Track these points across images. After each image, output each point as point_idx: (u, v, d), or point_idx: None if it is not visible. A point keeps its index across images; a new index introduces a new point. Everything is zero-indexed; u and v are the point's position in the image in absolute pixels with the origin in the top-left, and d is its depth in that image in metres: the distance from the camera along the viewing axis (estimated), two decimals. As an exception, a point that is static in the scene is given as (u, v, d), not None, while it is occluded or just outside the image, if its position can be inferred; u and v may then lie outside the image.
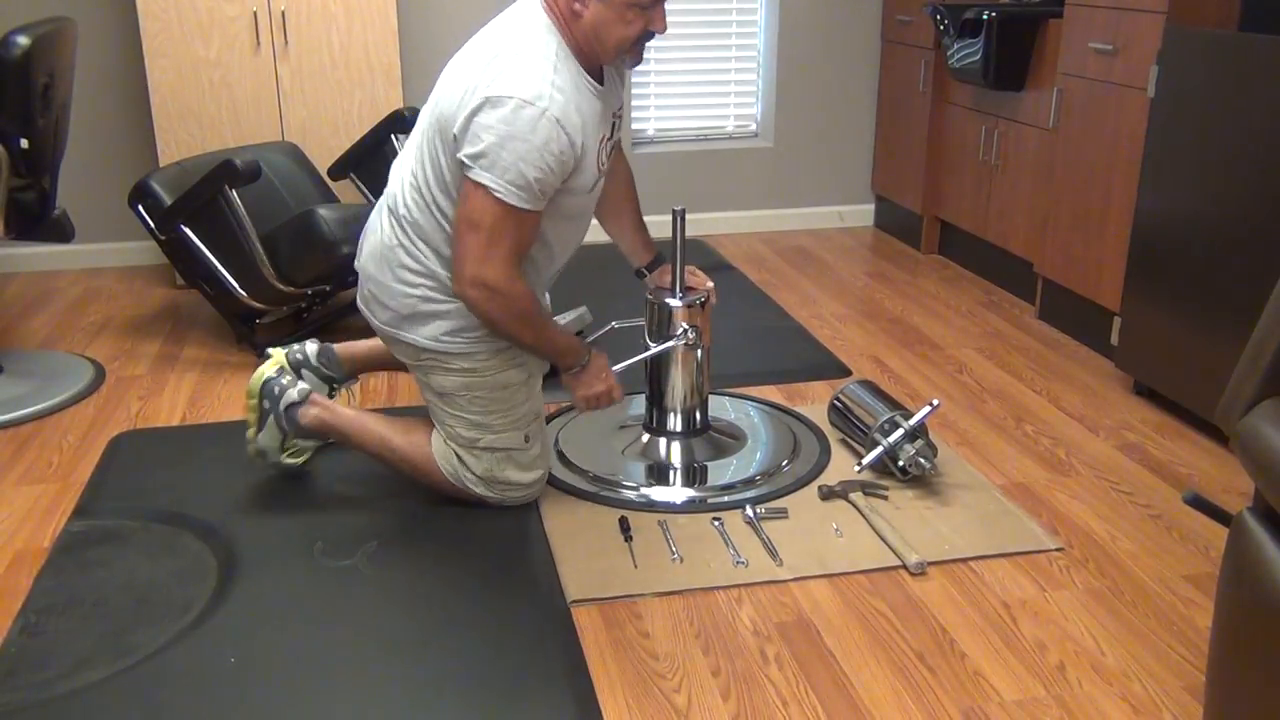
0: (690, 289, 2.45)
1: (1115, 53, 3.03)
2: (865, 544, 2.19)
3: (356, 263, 2.27)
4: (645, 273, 2.50)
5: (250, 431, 2.37)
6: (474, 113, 1.94)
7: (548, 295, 2.51)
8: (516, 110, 1.92)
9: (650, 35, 2.05)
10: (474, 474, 2.25)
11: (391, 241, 2.16)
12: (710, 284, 2.45)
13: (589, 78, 2.05)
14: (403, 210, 2.15)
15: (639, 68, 4.38)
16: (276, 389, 2.35)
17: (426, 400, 2.27)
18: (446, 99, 2.03)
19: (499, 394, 2.20)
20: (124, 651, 1.87)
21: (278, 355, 2.46)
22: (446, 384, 2.20)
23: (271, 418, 2.35)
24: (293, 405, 2.34)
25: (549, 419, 2.70)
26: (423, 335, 2.17)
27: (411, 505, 2.34)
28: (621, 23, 1.99)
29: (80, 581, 2.07)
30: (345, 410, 2.36)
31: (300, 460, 2.46)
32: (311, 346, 2.52)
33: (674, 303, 2.44)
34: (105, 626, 1.93)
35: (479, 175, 1.95)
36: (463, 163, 1.97)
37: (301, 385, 2.37)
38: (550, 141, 1.94)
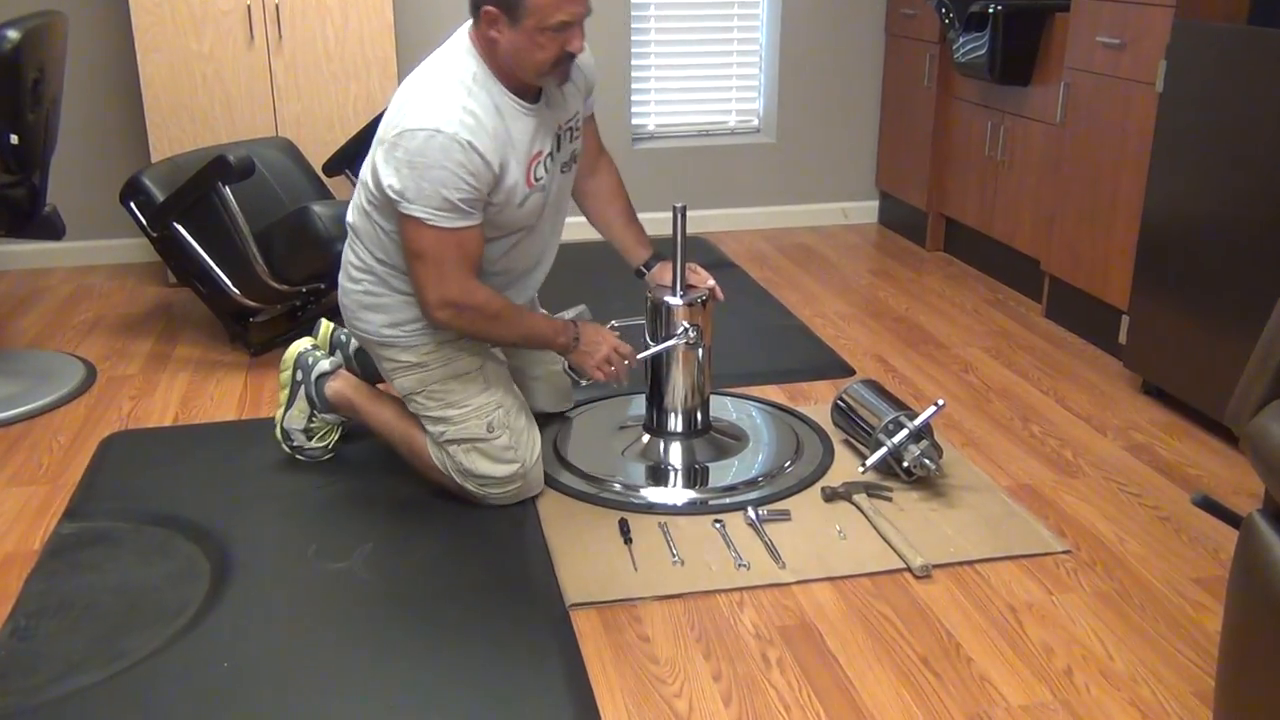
0: (691, 287, 2.45)
1: (1123, 47, 3.03)
2: (869, 546, 2.19)
3: None
4: (644, 271, 2.51)
5: (279, 412, 2.51)
6: (393, 146, 2.07)
7: (536, 299, 2.53)
8: (428, 140, 2.03)
9: (571, 56, 2.12)
10: (452, 467, 2.30)
11: (346, 245, 2.33)
12: (711, 281, 2.46)
13: (515, 97, 2.15)
14: (348, 217, 2.31)
15: (639, 61, 4.39)
16: (310, 360, 2.51)
17: None
18: (382, 125, 2.15)
19: (452, 384, 2.27)
20: (116, 656, 1.87)
21: (326, 328, 2.63)
22: (405, 384, 2.31)
23: (302, 390, 2.48)
24: (323, 376, 2.49)
25: (543, 422, 2.69)
26: (371, 325, 2.28)
27: (408, 508, 2.34)
28: (535, 47, 2.07)
29: (71, 585, 2.07)
30: (366, 387, 2.47)
31: (324, 446, 2.52)
32: (356, 341, 2.60)
33: (674, 301, 2.44)
34: (97, 630, 1.93)
35: (409, 209, 2.07)
36: (391, 198, 2.08)
37: (334, 358, 2.52)
38: (463, 164, 2.05)
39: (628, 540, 2.20)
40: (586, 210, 2.54)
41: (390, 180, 2.07)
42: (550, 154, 2.23)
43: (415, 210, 2.06)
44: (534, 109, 2.18)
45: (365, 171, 2.23)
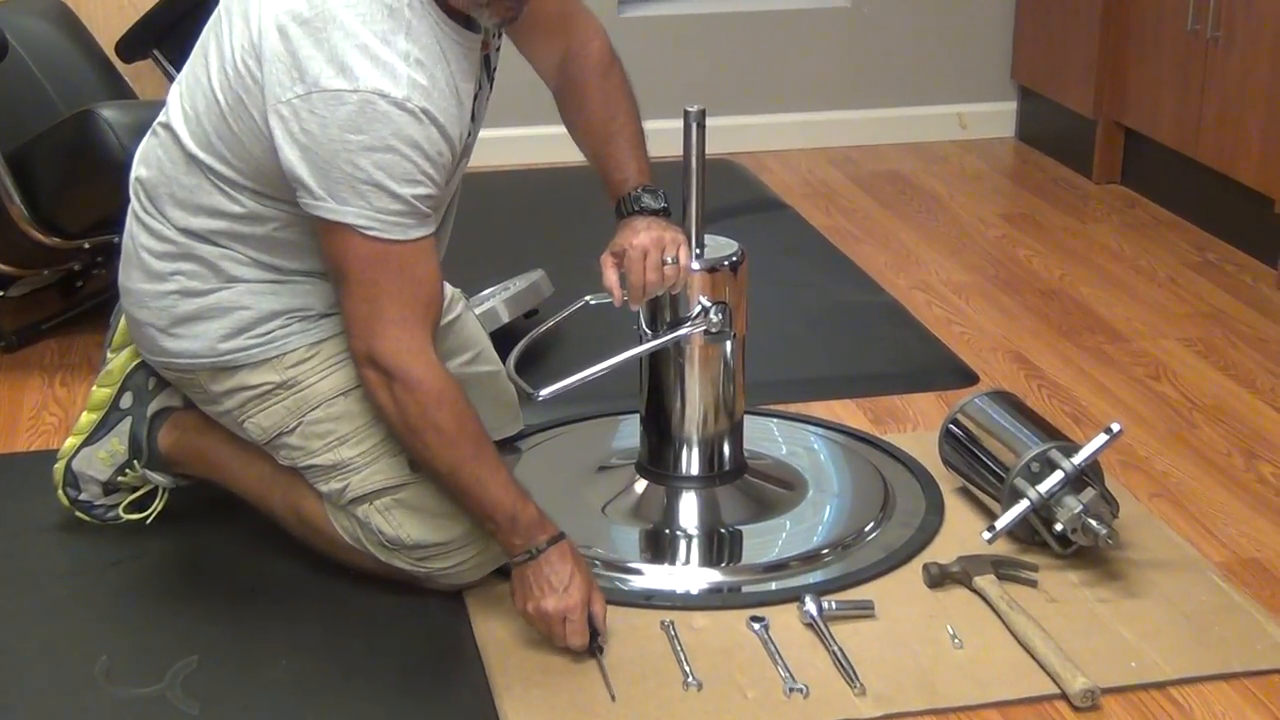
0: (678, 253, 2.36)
1: None
2: (1000, 659, 2.20)
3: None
4: (624, 208, 2.41)
5: (70, 441, 2.48)
6: (298, 116, 2.04)
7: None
8: (363, 109, 2.02)
9: None
10: (368, 540, 2.28)
11: (130, 223, 2.33)
12: (681, 256, 2.36)
13: (453, 24, 2.15)
14: (134, 169, 2.31)
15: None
16: (150, 384, 2.47)
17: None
18: (250, 58, 2.10)
19: (340, 406, 2.27)
20: None
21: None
22: (267, 423, 2.29)
23: (126, 425, 2.46)
24: (164, 413, 2.47)
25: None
26: (198, 344, 2.27)
27: (259, 595, 2.35)
28: None
29: None
30: (221, 430, 2.43)
31: (141, 516, 2.51)
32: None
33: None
34: None
35: (336, 213, 2.07)
36: (299, 187, 2.07)
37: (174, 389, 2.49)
38: (419, 144, 2.06)
39: (596, 649, 2.18)
40: (583, 143, 2.50)
41: (300, 170, 2.05)
42: (475, 95, 2.26)
43: (347, 216, 2.06)
44: (475, 40, 2.19)
45: (196, 83, 2.19)
